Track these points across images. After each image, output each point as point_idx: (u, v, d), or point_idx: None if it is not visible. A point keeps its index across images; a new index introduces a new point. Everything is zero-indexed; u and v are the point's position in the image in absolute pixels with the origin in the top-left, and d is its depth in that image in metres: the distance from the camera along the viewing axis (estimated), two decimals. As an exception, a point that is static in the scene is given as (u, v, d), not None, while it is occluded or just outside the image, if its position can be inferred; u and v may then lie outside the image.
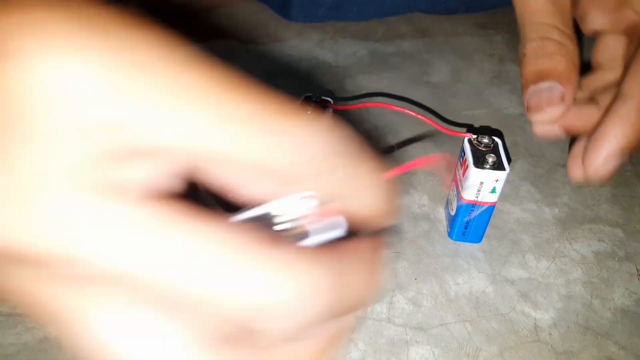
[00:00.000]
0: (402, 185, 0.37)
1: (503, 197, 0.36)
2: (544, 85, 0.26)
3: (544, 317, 0.30)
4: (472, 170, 0.29)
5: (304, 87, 0.45)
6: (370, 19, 0.53)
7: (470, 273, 0.32)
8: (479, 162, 0.29)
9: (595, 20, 0.29)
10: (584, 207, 0.36)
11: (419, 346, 0.28)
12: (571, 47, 0.26)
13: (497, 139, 0.31)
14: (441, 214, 0.35)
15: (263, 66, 0.47)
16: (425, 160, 0.20)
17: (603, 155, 0.25)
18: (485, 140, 0.31)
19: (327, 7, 0.52)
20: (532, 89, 0.27)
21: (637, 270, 0.32)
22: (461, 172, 0.31)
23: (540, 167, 0.39)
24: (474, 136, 0.31)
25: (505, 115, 0.43)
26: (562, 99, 0.26)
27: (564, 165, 0.39)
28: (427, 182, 0.37)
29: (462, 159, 0.31)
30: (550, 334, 0.29)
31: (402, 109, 0.32)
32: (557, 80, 0.26)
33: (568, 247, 0.33)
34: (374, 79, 0.46)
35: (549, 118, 0.26)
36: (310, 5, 0.51)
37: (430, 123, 0.32)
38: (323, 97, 0.33)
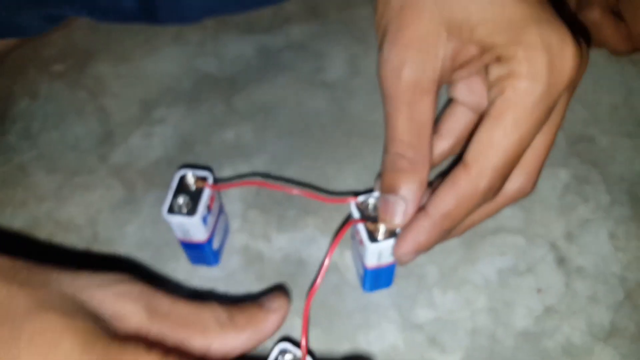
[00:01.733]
0: (307, 232, 0.37)
1: (407, 223, 0.37)
2: (390, 197, 0.28)
3: (453, 359, 0.32)
4: (369, 247, 0.30)
5: (191, 115, 0.43)
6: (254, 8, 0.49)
7: (381, 326, 0.33)
8: (372, 237, 0.30)
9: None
10: (485, 217, 0.37)
11: (340, 421, 0.31)
12: (421, 167, 0.27)
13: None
14: (348, 259, 0.36)
15: (140, 93, 0.44)
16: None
17: (402, 250, 0.28)
18: (371, 200, 0.31)
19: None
20: (382, 197, 0.29)
21: (537, 283, 0.35)
22: (357, 240, 0.31)
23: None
24: (360, 200, 0.31)
25: (403, 111, 0.42)
26: (403, 214, 0.28)
27: (464, 167, 0.39)
28: (332, 224, 0.37)
29: (353, 227, 0.31)
30: (458, 377, 0.32)
31: (282, 188, 0.32)
32: (401, 197, 0.27)
33: (471, 271, 0.35)
34: (267, 90, 0.44)
35: (390, 228, 0.29)
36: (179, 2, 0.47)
37: (312, 197, 0.32)
38: (199, 176, 0.32)
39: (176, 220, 0.31)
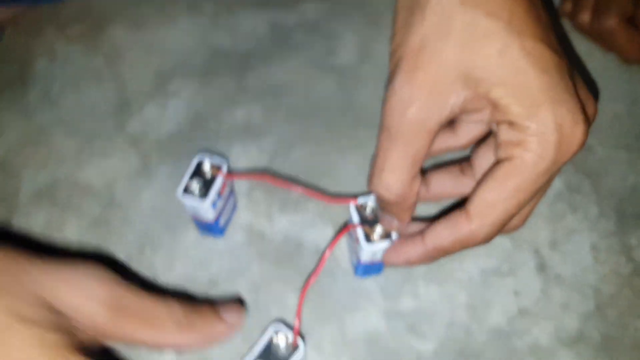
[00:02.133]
0: (307, 216, 0.39)
1: (401, 216, 0.39)
2: (386, 215, 0.31)
3: (427, 347, 0.35)
4: (365, 246, 0.32)
5: (203, 90, 0.45)
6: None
7: (366, 310, 0.36)
8: (369, 238, 0.32)
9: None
10: (475, 218, 0.39)
11: (321, 394, 0.34)
12: (409, 202, 0.30)
13: None
14: (343, 245, 0.38)
15: (155, 64, 0.46)
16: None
17: (392, 260, 0.32)
18: (370, 203, 0.33)
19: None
20: (380, 213, 0.32)
21: (515, 286, 0.37)
22: (354, 237, 0.34)
23: (439, 173, 0.41)
24: (360, 202, 0.34)
25: (411, 105, 0.44)
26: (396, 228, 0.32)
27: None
28: (331, 211, 0.39)
29: (351, 224, 0.34)
30: (431, 364, 0.35)
31: (287, 186, 0.34)
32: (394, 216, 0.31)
33: (457, 268, 0.38)
34: (277, 70, 0.46)
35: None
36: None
37: (315, 197, 0.34)
38: (215, 164, 0.35)
39: (189, 201, 0.34)
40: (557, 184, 0.41)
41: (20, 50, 0.47)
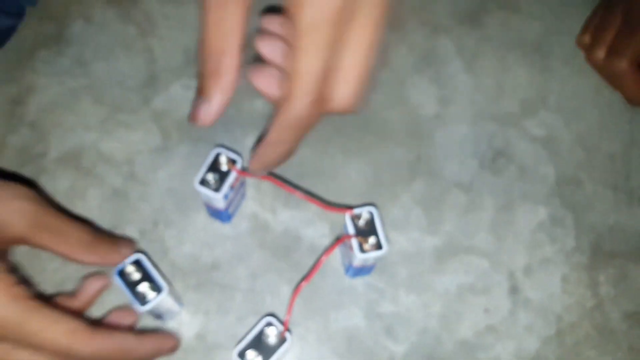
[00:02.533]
0: (307, 214, 0.43)
1: (394, 224, 0.43)
2: (199, 99, 0.31)
3: (399, 349, 0.40)
4: (358, 255, 0.36)
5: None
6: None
7: (349, 309, 0.40)
8: (362, 249, 0.36)
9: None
10: (462, 236, 0.43)
11: (299, 377, 0.39)
12: (226, 72, 0.30)
13: (373, 213, 0.37)
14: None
15: (184, 41, 0.48)
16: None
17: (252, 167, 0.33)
18: (364, 215, 0.37)
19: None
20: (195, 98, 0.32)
21: (487, 304, 0.41)
22: (348, 245, 0.37)
23: (435, 189, 0.44)
24: (355, 212, 0.37)
25: (419, 117, 0.46)
26: (207, 113, 0.31)
27: (458, 185, 0.44)
28: (330, 213, 0.43)
29: (346, 235, 0.37)
30: (400, 364, 0.39)
31: (292, 191, 0.37)
32: (207, 99, 0.31)
33: (436, 281, 0.41)
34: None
35: (197, 125, 0.32)
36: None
37: (315, 204, 0.37)
38: (231, 158, 0.38)
39: (204, 191, 0.37)
40: (542, 214, 0.44)
41: (58, 10, 0.49)
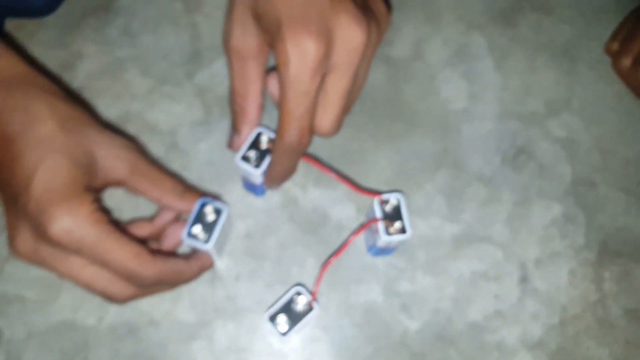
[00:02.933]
0: (336, 193, 0.46)
1: (416, 210, 0.46)
2: (231, 132, 0.41)
3: (413, 325, 0.43)
4: (383, 238, 0.39)
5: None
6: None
7: (369, 285, 0.44)
8: (388, 231, 0.39)
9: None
10: (479, 226, 0.46)
11: (320, 343, 0.42)
12: (250, 112, 0.39)
13: (400, 199, 0.39)
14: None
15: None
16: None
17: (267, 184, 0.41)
18: (391, 201, 0.40)
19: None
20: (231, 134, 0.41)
21: (497, 291, 0.44)
22: (374, 229, 0.40)
23: (458, 179, 0.47)
24: (383, 198, 0.40)
25: (447, 111, 0.49)
26: (236, 143, 0.40)
27: (480, 178, 0.47)
28: (358, 194, 0.46)
29: (372, 218, 0.40)
30: (413, 339, 0.43)
31: (326, 171, 0.40)
32: (237, 132, 0.40)
33: (452, 266, 0.44)
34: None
35: (232, 149, 0.41)
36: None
37: (348, 185, 0.40)
38: (271, 138, 0.40)
39: (244, 167, 0.39)
40: (556, 210, 0.46)
41: (108, -19, 0.51)
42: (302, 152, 0.37)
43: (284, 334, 0.37)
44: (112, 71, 0.48)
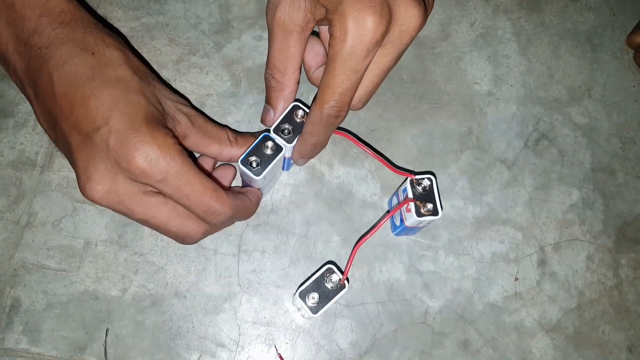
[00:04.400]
0: (361, 172, 0.43)
1: (440, 191, 0.43)
2: (265, 105, 0.38)
3: (435, 305, 0.40)
4: (415, 217, 0.36)
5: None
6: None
7: (393, 263, 0.41)
8: (419, 211, 0.36)
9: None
10: (501, 208, 0.43)
11: (343, 319, 0.40)
12: (286, 87, 0.36)
13: (432, 181, 0.37)
14: (386, 206, 0.42)
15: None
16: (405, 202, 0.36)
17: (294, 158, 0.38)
18: (424, 182, 0.37)
19: None
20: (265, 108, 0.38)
21: (517, 273, 0.42)
22: (405, 209, 0.37)
23: (482, 161, 0.44)
24: (416, 178, 0.37)
25: (473, 92, 0.46)
26: (271, 118, 0.37)
27: (502, 161, 0.44)
28: (382, 172, 0.43)
29: (404, 197, 0.37)
30: (434, 318, 0.40)
31: (363, 147, 0.37)
32: (271, 106, 0.37)
33: (474, 246, 0.42)
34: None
35: (265, 125, 0.38)
36: None
37: (383, 164, 0.37)
38: (307, 111, 0.37)
39: (277, 139, 0.36)
40: (575, 196, 0.44)
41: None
42: (335, 127, 0.34)
43: (315, 312, 0.34)
44: (140, 37, 0.44)
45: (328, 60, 0.31)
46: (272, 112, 0.36)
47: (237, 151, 0.37)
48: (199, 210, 0.32)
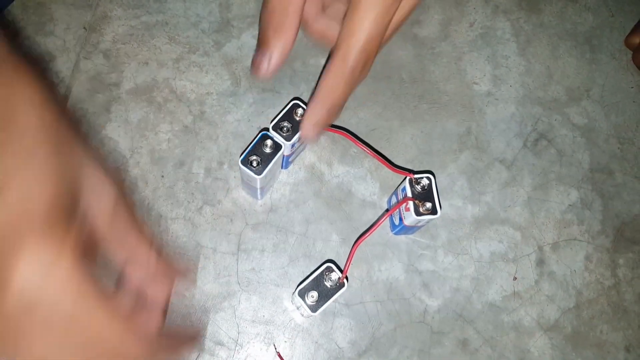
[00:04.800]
0: (360, 171, 0.42)
1: (440, 190, 0.42)
2: (261, 50, 0.31)
3: (433, 304, 0.40)
4: (413, 216, 0.36)
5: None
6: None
7: (392, 262, 0.40)
8: (418, 210, 0.36)
9: None
10: (500, 208, 0.43)
11: (342, 318, 0.39)
12: (287, 31, 0.30)
13: (431, 180, 0.36)
14: (385, 205, 0.42)
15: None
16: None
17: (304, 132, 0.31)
18: (423, 181, 0.36)
19: None
20: (258, 50, 0.31)
21: (515, 272, 0.41)
22: (404, 207, 0.37)
23: (480, 161, 0.44)
24: (415, 177, 0.36)
25: (472, 93, 0.45)
26: (268, 64, 0.31)
27: (501, 161, 0.44)
28: (381, 171, 0.42)
29: (403, 196, 0.37)
30: (433, 317, 0.40)
31: (362, 147, 0.36)
32: (268, 51, 0.30)
33: (472, 246, 0.41)
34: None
35: (258, 76, 0.31)
36: None
37: (382, 163, 0.37)
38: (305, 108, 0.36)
39: (277, 137, 0.36)
40: (574, 196, 0.43)
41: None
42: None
43: (314, 310, 0.33)
44: (139, 36, 0.44)
45: (351, 6, 0.27)
46: (267, 59, 0.30)
47: (148, 272, 0.28)
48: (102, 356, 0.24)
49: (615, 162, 0.45)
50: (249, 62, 0.44)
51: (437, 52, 0.46)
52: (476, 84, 0.45)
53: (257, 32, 0.45)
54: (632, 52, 0.47)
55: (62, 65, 0.42)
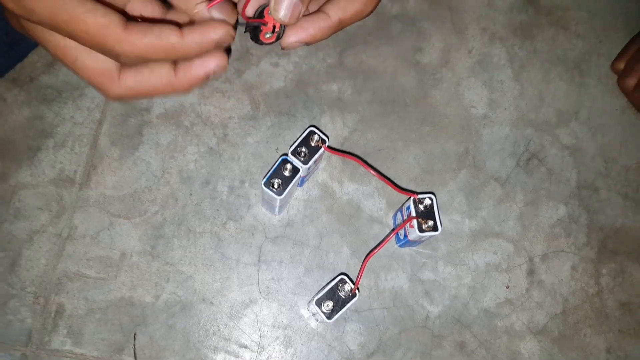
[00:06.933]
0: (368, 188, 0.44)
1: (440, 206, 0.44)
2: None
3: (434, 310, 0.42)
4: (417, 232, 0.38)
5: (310, 58, 0.47)
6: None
7: (397, 272, 0.43)
8: (421, 227, 0.38)
9: None
10: (494, 222, 0.45)
11: (352, 323, 0.41)
12: None
13: (433, 200, 0.38)
14: (391, 220, 0.44)
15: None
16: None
17: (291, 40, 0.29)
18: (426, 201, 0.38)
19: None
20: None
21: (508, 281, 0.43)
22: (409, 225, 0.39)
23: (477, 179, 0.45)
24: (419, 197, 0.38)
25: (470, 116, 0.47)
26: (291, 6, 0.27)
27: (496, 179, 0.46)
28: (388, 190, 0.44)
29: (408, 215, 0.39)
30: (434, 322, 0.42)
31: (371, 171, 0.38)
32: None
33: (469, 257, 0.43)
34: (371, 54, 0.47)
35: (278, 19, 0.28)
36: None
37: (388, 184, 0.39)
38: (321, 137, 0.38)
39: (295, 161, 0.37)
40: (562, 211, 0.45)
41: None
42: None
43: (330, 318, 0.36)
44: (166, 65, 0.45)
45: None
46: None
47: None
48: (95, 48, 0.24)
49: (601, 180, 0.47)
50: (267, 88, 0.45)
51: (438, 77, 0.48)
52: (474, 107, 0.47)
53: (273, 60, 0.46)
54: (617, 77, 0.49)
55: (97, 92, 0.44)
